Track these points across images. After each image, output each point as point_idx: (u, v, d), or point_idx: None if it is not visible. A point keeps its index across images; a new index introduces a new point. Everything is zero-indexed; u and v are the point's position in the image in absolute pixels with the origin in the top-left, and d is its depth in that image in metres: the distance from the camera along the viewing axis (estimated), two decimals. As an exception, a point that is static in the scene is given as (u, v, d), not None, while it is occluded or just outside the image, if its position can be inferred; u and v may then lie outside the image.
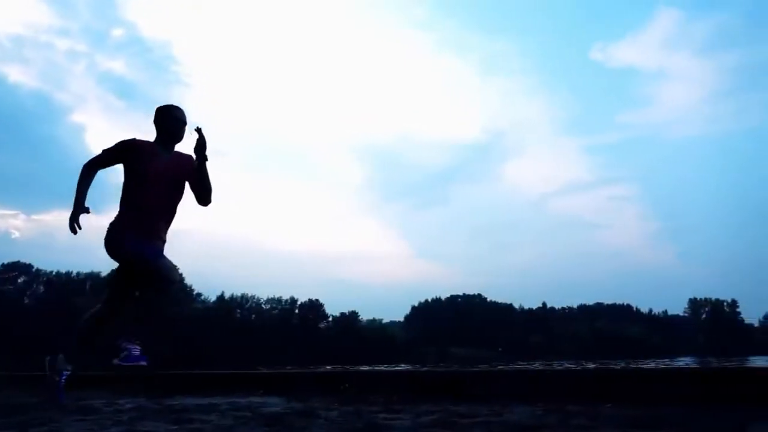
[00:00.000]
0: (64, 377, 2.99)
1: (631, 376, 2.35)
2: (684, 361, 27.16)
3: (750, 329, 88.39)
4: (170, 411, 2.23)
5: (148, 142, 3.06)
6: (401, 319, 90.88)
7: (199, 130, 2.96)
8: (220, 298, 71.59)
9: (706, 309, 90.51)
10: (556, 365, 20.22)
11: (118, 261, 2.97)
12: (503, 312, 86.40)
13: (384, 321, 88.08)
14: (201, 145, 2.98)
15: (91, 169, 3.00)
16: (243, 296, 76.78)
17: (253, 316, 76.14)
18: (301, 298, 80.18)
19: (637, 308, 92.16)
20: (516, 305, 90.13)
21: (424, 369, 3.71)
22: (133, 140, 3.04)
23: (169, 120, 3.10)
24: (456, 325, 79.56)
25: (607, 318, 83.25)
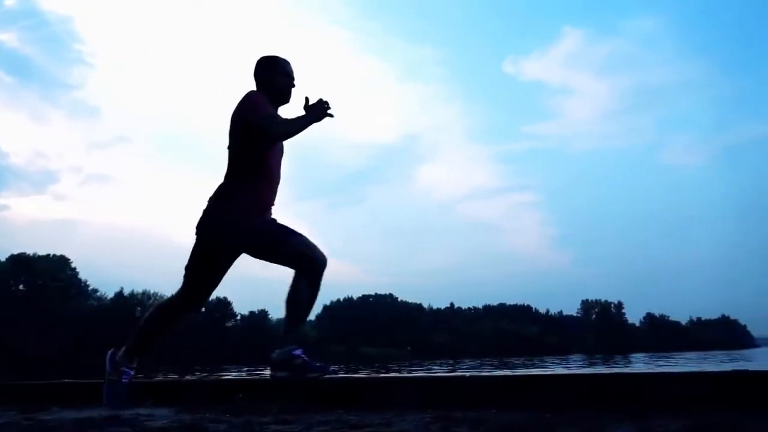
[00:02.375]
0: (126, 377, 2.53)
1: (517, 382, 2.47)
2: (574, 359, 29.38)
3: (632, 329, 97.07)
4: (41, 429, 2.05)
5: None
6: (312, 318, 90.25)
7: (326, 103, 2.43)
8: (119, 294, 67.09)
9: (596, 310, 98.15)
10: (460, 365, 21.04)
11: (237, 241, 2.41)
12: (413, 312, 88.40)
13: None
14: (321, 117, 2.45)
15: (276, 125, 2.39)
16: (145, 293, 72.76)
17: (155, 314, 72.27)
18: (209, 297, 77.37)
19: (536, 309, 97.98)
20: (425, 305, 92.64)
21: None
22: (259, 93, 2.48)
23: (284, 77, 2.54)
24: (367, 325, 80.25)
25: (509, 318, 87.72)
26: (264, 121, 2.35)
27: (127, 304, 65.82)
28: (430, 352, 68.54)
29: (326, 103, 2.36)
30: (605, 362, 21.96)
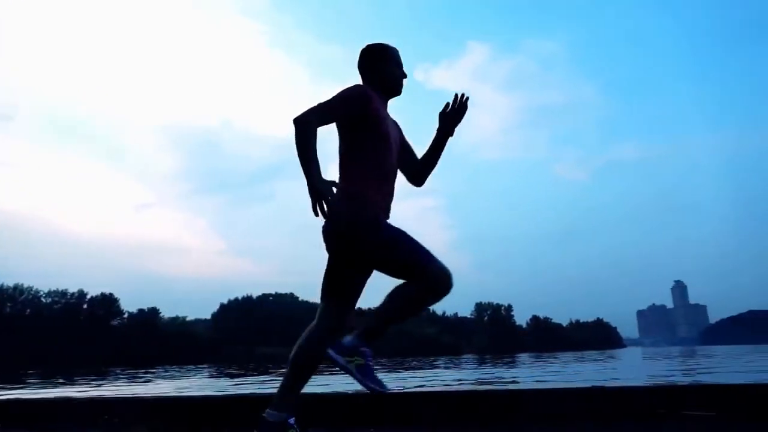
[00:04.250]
0: (369, 356, 2.16)
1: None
2: (466, 359, 30.82)
3: (520, 330, 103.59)
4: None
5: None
6: (208, 317, 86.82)
7: (465, 99, 2.29)
8: (-17, 288, 60.41)
9: (488, 312, 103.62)
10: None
11: (367, 246, 2.06)
12: (313, 311, 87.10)
13: (188, 319, 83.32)
14: (460, 116, 2.30)
15: (315, 124, 2.02)
16: (16, 287, 66.26)
17: (28, 310, 65.82)
18: (92, 292, 71.94)
19: (433, 310, 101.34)
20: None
21: (196, 394, 3.60)
22: (367, 87, 2.21)
23: (397, 67, 2.30)
24: (266, 324, 78.58)
25: (412, 319, 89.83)
26: (312, 110, 2.03)
27: (-6, 299, 59.57)
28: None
29: (321, 207, 1.95)
30: (494, 362, 23.28)
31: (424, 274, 2.04)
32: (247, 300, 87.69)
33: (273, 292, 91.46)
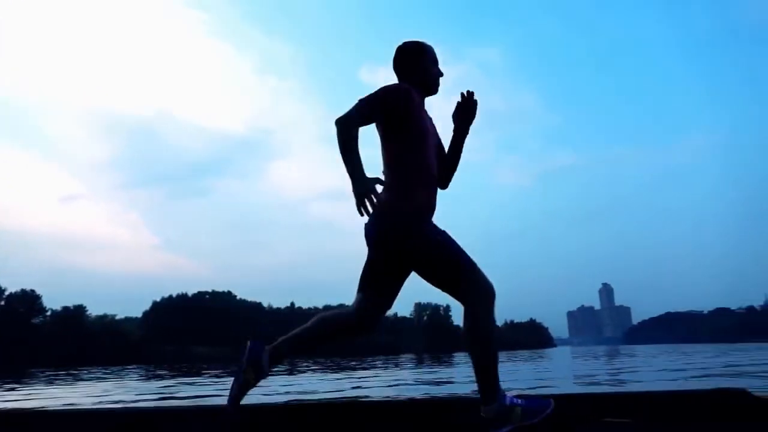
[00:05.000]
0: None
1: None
2: (403, 359, 31.18)
3: (457, 330, 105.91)
4: None
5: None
6: (139, 315, 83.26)
7: (471, 95, 2.26)
8: None
9: (427, 312, 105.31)
10: (295, 366, 21.01)
11: (409, 247, 1.97)
12: (252, 310, 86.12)
13: (118, 317, 79.66)
14: (471, 113, 2.27)
15: (357, 123, 1.97)
16: None
17: (-63, 307, 60.84)
18: (11, 288, 67.40)
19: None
20: (265, 304, 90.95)
21: (96, 407, 3.39)
22: (407, 85, 2.14)
23: (435, 65, 2.25)
24: (201, 323, 76.28)
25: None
26: (352, 110, 1.99)
27: None
28: (266, 351, 67.25)
29: (364, 206, 1.89)
30: (431, 362, 23.67)
31: (468, 280, 1.96)
32: (182, 298, 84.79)
33: (210, 290, 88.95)
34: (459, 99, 2.30)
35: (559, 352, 51.23)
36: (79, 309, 71.57)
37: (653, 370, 9.96)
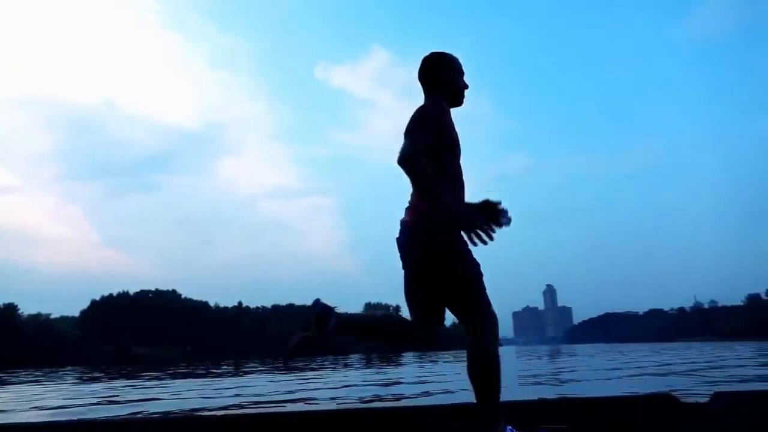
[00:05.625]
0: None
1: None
2: (351, 359, 31.21)
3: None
4: None
5: None
6: (76, 314, 79.46)
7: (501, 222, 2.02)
8: None
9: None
10: (242, 367, 20.65)
11: (442, 257, 1.93)
12: (197, 310, 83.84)
13: (53, 316, 75.72)
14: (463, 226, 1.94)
15: (423, 155, 1.90)
16: None
17: None
18: (-68, 285, 62.82)
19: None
20: (212, 303, 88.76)
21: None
22: (442, 100, 2.12)
23: (461, 77, 2.21)
24: (144, 323, 73.62)
25: (297, 318, 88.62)
26: (411, 142, 1.94)
27: None
28: (212, 352, 65.81)
29: (481, 230, 1.84)
30: (380, 361, 23.78)
31: (485, 314, 1.96)
32: (123, 296, 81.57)
33: (153, 289, 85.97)
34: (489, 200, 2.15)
35: (504, 351, 52.61)
36: (10, 307, 67.65)
37: (591, 369, 10.40)
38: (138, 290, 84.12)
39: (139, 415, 4.86)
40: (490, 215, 2.01)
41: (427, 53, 2.24)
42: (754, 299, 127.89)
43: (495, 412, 1.87)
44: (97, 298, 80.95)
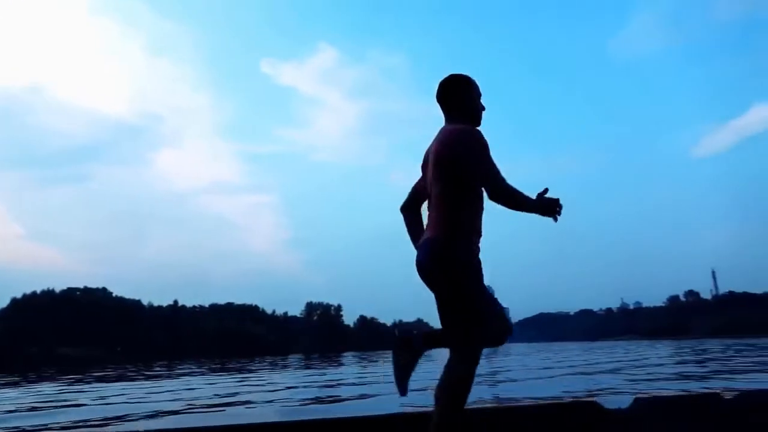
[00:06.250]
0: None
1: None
2: (292, 359, 30.91)
3: (348, 329, 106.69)
4: None
5: None
6: (-6, 313, 74.17)
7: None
8: None
9: (318, 312, 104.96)
10: (175, 368, 19.97)
11: (465, 280, 2.02)
12: (129, 309, 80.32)
13: (-33, 315, 70.34)
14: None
15: (506, 183, 2.09)
16: None
17: None
18: None
19: (263, 309, 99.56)
20: (145, 302, 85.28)
21: None
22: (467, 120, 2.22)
23: (479, 99, 2.27)
24: (71, 322, 69.70)
25: (235, 317, 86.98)
26: (495, 179, 2.08)
27: None
28: (144, 352, 63.23)
29: (560, 206, 2.11)
30: (320, 362, 23.67)
31: (472, 340, 2.04)
32: (48, 294, 76.98)
33: (81, 286, 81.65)
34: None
35: (444, 351, 53.55)
36: None
37: (525, 369, 10.78)
38: (65, 288, 79.69)
39: (60, 424, 4.61)
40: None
41: (447, 75, 2.28)
42: (674, 300, 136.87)
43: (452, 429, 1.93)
44: (19, 296, 76.01)
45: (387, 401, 5.23)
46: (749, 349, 17.54)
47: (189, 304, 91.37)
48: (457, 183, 2.10)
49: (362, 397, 6.21)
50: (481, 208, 2.16)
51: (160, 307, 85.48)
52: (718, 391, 2.67)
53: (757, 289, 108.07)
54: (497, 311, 2.13)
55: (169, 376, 14.35)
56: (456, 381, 1.97)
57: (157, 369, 21.57)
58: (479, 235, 2.14)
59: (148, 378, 13.83)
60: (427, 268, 2.08)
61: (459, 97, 2.23)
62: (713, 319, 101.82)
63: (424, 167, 2.26)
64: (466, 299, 2.03)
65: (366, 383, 8.63)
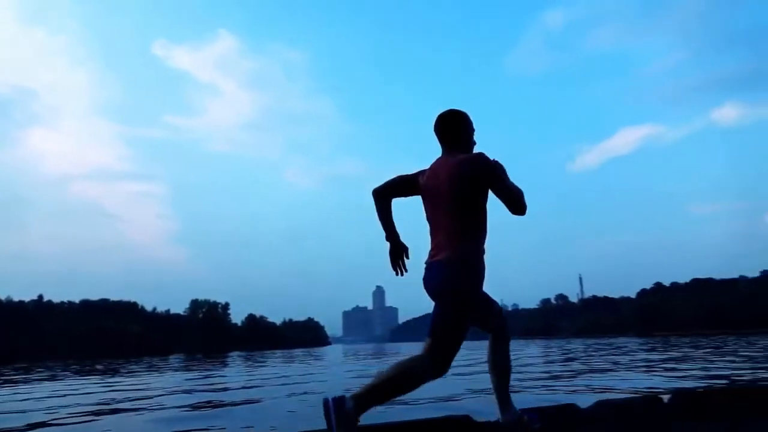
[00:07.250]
0: None
1: None
2: (174, 360, 29.17)
3: (235, 328, 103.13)
4: None
5: None
6: None
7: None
8: None
9: (204, 310, 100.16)
10: (33, 373, 18.02)
11: (478, 297, 2.27)
12: (10, 310, 71.16)
13: None
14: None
15: (520, 192, 2.25)
16: None
17: None
18: None
19: (142, 306, 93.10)
20: (3, 297, 76.06)
21: None
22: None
23: (473, 133, 2.45)
24: None
25: (112, 315, 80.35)
26: (521, 196, 2.24)
27: None
28: (1, 355, 56.36)
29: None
30: (203, 362, 22.62)
31: (441, 349, 2.20)
32: None
33: None
34: None
35: (332, 350, 53.60)
36: None
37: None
38: None
39: None
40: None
41: (447, 110, 2.39)
42: (546, 303, 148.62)
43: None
44: None
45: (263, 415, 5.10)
46: (606, 348, 19.53)
47: (57, 299, 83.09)
48: (474, 207, 2.23)
49: (246, 402, 6.05)
50: (485, 224, 2.30)
51: (21, 302, 76.73)
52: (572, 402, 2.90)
53: (615, 294, 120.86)
54: (497, 311, 2.52)
55: (26, 381, 12.97)
56: (410, 377, 2.13)
57: (11, 373, 19.34)
58: (483, 255, 2.28)
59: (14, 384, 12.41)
60: (439, 293, 2.21)
61: (459, 132, 2.37)
62: (579, 320, 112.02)
63: (424, 195, 2.34)
64: (459, 325, 2.19)
65: (253, 387, 8.42)
